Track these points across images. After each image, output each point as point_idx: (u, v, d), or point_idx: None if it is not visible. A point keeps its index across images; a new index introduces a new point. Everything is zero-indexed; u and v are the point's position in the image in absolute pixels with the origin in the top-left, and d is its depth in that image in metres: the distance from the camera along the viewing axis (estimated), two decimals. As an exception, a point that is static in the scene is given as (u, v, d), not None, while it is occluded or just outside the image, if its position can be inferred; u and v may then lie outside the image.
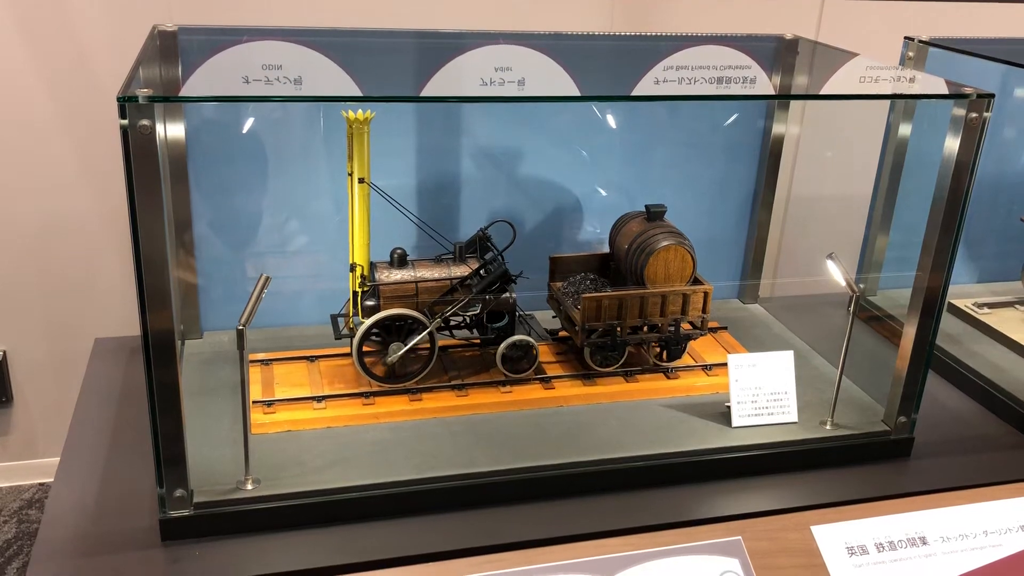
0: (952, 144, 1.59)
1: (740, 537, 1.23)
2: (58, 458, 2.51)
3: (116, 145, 2.07)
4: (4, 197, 2.31)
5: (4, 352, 2.42)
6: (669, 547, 1.19)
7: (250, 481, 1.52)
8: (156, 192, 1.30)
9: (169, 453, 1.42)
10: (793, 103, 2.30)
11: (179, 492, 1.45)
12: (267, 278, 1.45)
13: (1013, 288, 2.45)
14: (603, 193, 2.22)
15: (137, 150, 1.26)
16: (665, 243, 1.81)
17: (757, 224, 2.30)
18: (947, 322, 2.31)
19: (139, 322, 1.36)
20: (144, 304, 1.35)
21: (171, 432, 1.41)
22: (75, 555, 1.44)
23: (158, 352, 1.37)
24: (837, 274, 1.71)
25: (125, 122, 1.24)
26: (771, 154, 2.25)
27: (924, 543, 1.28)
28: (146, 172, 1.28)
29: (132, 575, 1.41)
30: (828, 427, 1.78)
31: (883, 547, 1.26)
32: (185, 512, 1.46)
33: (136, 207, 1.30)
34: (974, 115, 1.55)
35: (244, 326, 1.44)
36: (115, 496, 1.58)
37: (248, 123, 1.95)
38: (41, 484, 2.53)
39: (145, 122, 1.24)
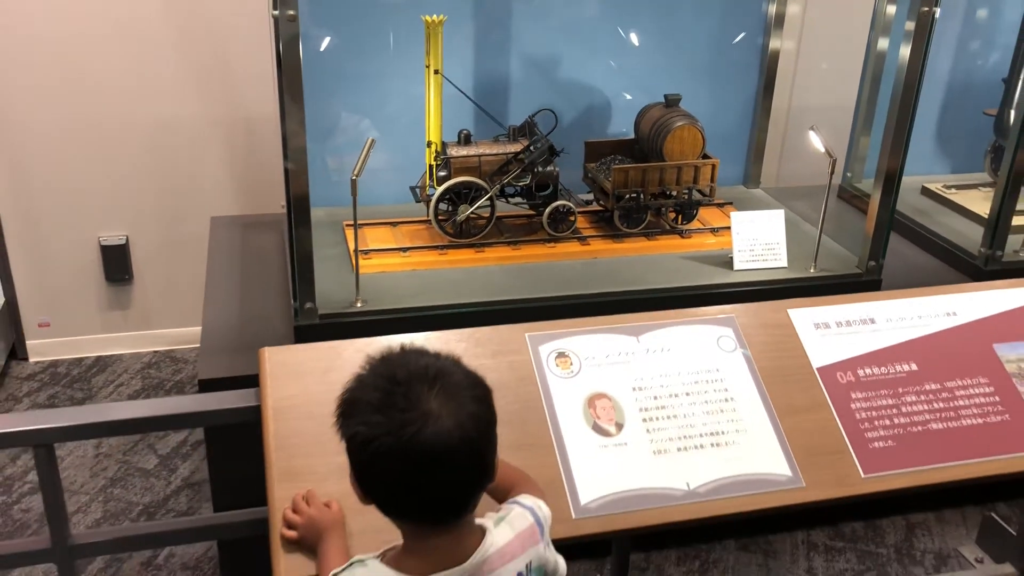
0: (907, 42, 1.99)
1: (734, 315, 1.67)
2: (172, 329, 3.00)
3: (217, 57, 2.52)
4: (123, 104, 2.75)
5: (127, 237, 2.88)
6: (681, 320, 1.63)
7: (359, 301, 1.98)
8: (299, 76, 1.72)
9: (303, 272, 1.87)
10: (787, 24, 2.70)
11: (309, 304, 1.91)
12: (372, 140, 1.88)
13: (981, 177, 2.85)
14: (628, 97, 2.63)
15: (285, 37, 1.68)
16: (680, 123, 2.23)
17: (758, 127, 2.72)
18: (920, 201, 2.72)
19: (284, 184, 1.81)
20: (288, 172, 1.80)
21: (304, 256, 1.87)
22: (230, 351, 1.91)
23: (297, 201, 1.83)
24: (817, 142, 2.12)
25: (276, 12, 1.66)
26: (768, 68, 2.66)
27: (873, 322, 1.71)
28: (292, 57, 1.70)
29: (274, 367, 1.87)
30: (812, 271, 2.21)
31: (842, 324, 1.69)
32: (314, 321, 1.92)
33: (284, 90, 1.72)
34: (925, 9, 1.95)
35: (356, 176, 1.87)
36: (253, 318, 2.04)
37: (335, 27, 2.36)
38: (156, 351, 3.01)
39: (291, 12, 1.66)
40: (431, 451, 0.98)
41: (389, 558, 1.08)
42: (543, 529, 1.15)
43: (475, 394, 1.03)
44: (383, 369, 1.03)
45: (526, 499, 1.18)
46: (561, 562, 1.17)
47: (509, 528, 1.11)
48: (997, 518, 2.17)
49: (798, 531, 2.32)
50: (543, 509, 1.18)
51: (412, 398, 0.99)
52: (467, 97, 2.23)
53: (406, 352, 1.06)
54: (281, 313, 2.06)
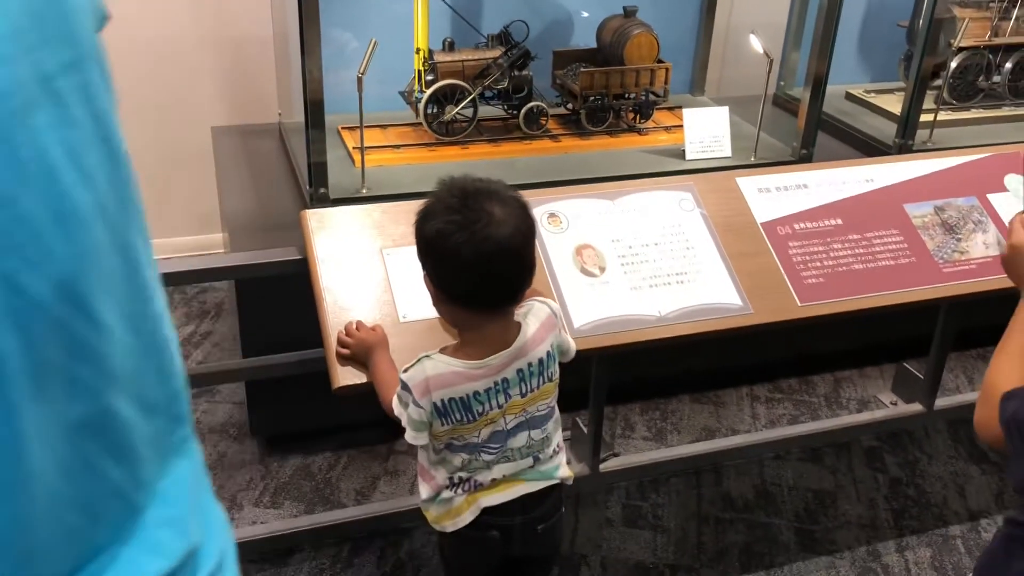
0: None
1: (692, 183, 1.99)
2: (180, 238, 3.21)
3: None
4: (125, 26, 2.92)
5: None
6: (649, 187, 1.96)
7: (365, 188, 2.25)
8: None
9: (317, 163, 2.14)
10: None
11: (323, 190, 2.18)
12: (375, 42, 2.14)
13: (897, 84, 3.21)
14: (585, 15, 2.92)
15: (302, -52, 1.93)
16: (638, 30, 2.53)
17: (701, 43, 3.04)
18: (844, 105, 3.08)
19: (303, 92, 2.06)
20: (305, 80, 2.05)
21: (319, 149, 2.13)
22: (254, 230, 2.17)
23: (313, 104, 2.08)
24: (758, 45, 2.45)
25: (295, -73, 1.91)
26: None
27: (806, 187, 2.05)
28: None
29: (295, 238, 2.14)
30: (752, 159, 2.55)
31: (780, 189, 2.04)
32: (328, 206, 2.19)
33: (303, 6, 1.97)
34: (846, -75, 2.28)
35: (362, 75, 2.14)
36: (268, 208, 2.30)
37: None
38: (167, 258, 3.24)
39: (309, -74, 1.91)
40: (497, 244, 1.28)
41: (448, 351, 1.39)
42: (558, 317, 1.47)
43: (521, 204, 1.35)
44: (454, 186, 1.34)
45: (539, 298, 1.50)
46: (573, 344, 1.50)
47: (535, 319, 1.43)
48: (908, 367, 2.57)
49: (743, 386, 2.70)
50: (554, 304, 1.50)
51: (480, 204, 1.30)
52: (451, 8, 2.50)
53: (466, 177, 1.36)
54: (294, 202, 2.32)
